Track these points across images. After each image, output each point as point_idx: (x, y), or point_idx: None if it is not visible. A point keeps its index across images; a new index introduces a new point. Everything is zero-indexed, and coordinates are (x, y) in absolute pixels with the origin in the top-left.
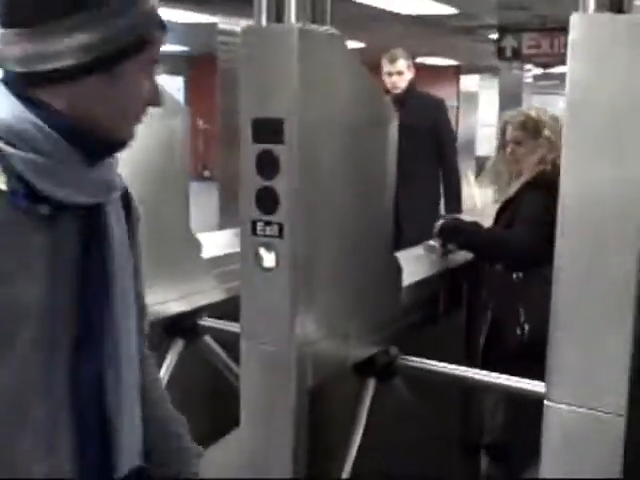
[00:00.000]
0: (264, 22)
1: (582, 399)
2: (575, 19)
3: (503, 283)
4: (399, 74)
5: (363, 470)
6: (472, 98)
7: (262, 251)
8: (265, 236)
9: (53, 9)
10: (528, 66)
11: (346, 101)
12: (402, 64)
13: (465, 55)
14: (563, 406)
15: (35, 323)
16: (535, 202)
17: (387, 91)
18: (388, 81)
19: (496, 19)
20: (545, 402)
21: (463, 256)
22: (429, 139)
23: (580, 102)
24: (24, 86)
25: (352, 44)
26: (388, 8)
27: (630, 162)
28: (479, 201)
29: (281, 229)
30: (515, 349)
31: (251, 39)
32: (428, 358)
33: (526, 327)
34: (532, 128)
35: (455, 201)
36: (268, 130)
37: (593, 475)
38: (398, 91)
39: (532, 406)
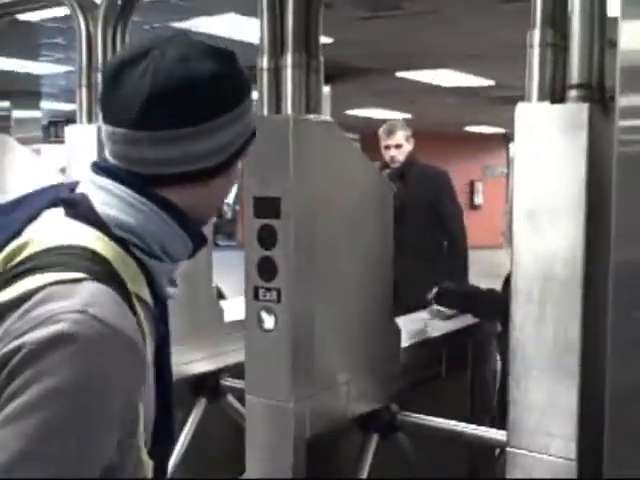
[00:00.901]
0: (265, 112)
1: (538, 446)
2: (518, 108)
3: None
4: (397, 147)
5: None
6: None
7: (263, 314)
8: (266, 300)
9: (194, 114)
10: None
11: (340, 179)
12: (400, 136)
13: (512, 123)
14: (522, 452)
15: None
16: None
17: (386, 165)
18: (386, 154)
19: None
20: (507, 449)
21: (469, 319)
22: (431, 212)
23: (523, 180)
24: (144, 185)
25: (398, 115)
26: (429, 81)
27: (566, 231)
28: None
29: (279, 294)
30: None
31: None
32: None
33: None
34: None
35: (459, 272)
36: (267, 207)
37: None
38: (397, 165)
39: None
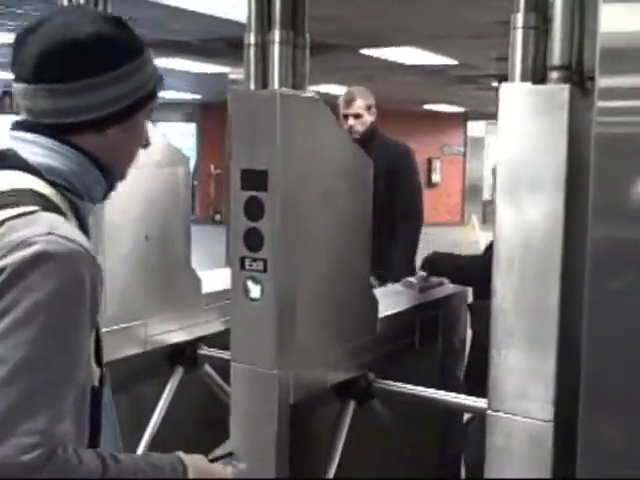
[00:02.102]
0: (252, 87)
1: (517, 409)
2: (502, 88)
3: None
4: (356, 117)
5: None
6: (478, 144)
7: (249, 283)
8: (252, 270)
9: (86, 68)
10: None
11: (324, 154)
12: (359, 105)
13: (472, 102)
14: (502, 414)
15: None
16: None
17: None
18: (344, 125)
19: (495, 69)
20: (487, 412)
21: (440, 291)
22: (390, 183)
23: (506, 157)
24: (55, 134)
25: None
26: (393, 59)
27: (546, 206)
28: (482, 243)
29: (265, 264)
30: None
31: (241, 102)
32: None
33: None
34: None
35: (405, 247)
36: (255, 179)
37: (527, 470)
38: (356, 136)
39: None
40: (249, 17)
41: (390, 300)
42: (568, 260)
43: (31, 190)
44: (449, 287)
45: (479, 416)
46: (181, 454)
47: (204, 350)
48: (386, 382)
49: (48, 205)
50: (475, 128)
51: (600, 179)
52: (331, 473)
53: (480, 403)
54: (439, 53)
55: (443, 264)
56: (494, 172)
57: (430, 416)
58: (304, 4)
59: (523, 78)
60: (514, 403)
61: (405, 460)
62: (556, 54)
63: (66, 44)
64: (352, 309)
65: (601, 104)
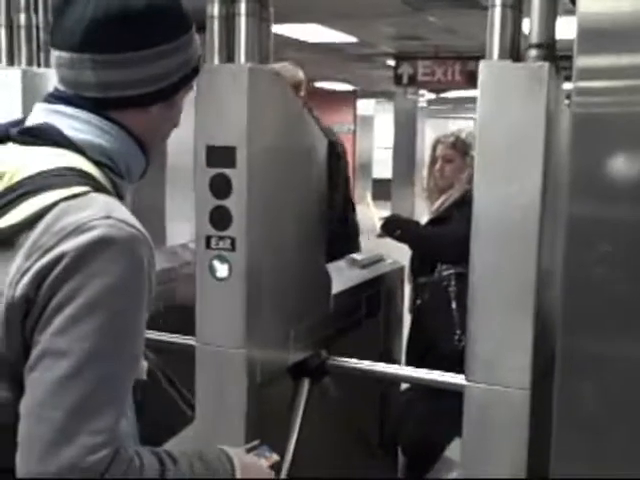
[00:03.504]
0: (216, 61)
1: (494, 378)
2: (482, 65)
3: (436, 291)
4: None
5: (301, 463)
6: (368, 121)
7: (216, 263)
8: (219, 249)
9: (139, 40)
10: (422, 91)
11: (285, 130)
12: None
13: (362, 80)
14: (479, 385)
15: None
16: (464, 216)
17: None
18: None
19: (393, 47)
20: (465, 383)
21: (381, 267)
22: None
23: (486, 133)
24: (97, 109)
25: None
26: (293, 36)
27: (524, 181)
28: (377, 221)
29: (233, 243)
30: (451, 356)
31: (205, 76)
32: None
33: (461, 335)
34: (461, 148)
35: None
36: (222, 156)
37: (504, 439)
38: None
39: (449, 400)
40: None
41: (338, 277)
42: (544, 232)
43: (78, 169)
44: (387, 263)
45: (415, 388)
46: (227, 449)
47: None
48: (340, 359)
49: (97, 185)
50: (365, 106)
51: (576, 157)
52: (289, 452)
53: (441, 377)
54: (340, 30)
55: (407, 230)
56: (437, 142)
57: (371, 387)
58: None
59: (501, 56)
60: (491, 372)
61: (352, 435)
62: (535, 32)
63: (122, 12)
64: (310, 287)
65: (579, 84)
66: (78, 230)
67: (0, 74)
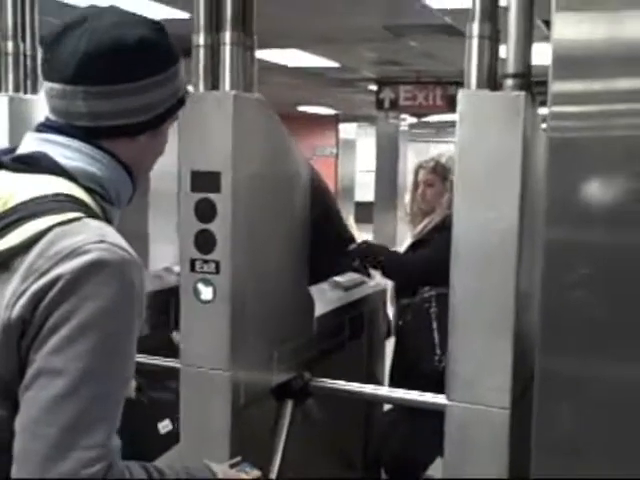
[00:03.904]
0: (202, 88)
1: (475, 398)
2: (461, 94)
3: (418, 312)
4: None
5: None
6: (350, 145)
7: (200, 286)
8: (203, 272)
9: (130, 72)
10: (403, 115)
11: (270, 157)
12: None
13: (344, 104)
14: (460, 404)
15: None
16: (443, 239)
17: None
18: None
19: (374, 72)
20: (446, 402)
21: (363, 290)
22: None
23: (465, 160)
24: (88, 138)
25: None
26: (276, 61)
27: (502, 206)
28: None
29: (217, 266)
30: (432, 376)
31: (191, 103)
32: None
33: (442, 356)
34: (441, 172)
35: None
36: (207, 181)
37: (485, 458)
38: None
39: (431, 420)
40: (197, 17)
41: (321, 299)
42: (522, 256)
43: (71, 196)
44: (370, 285)
45: (397, 408)
46: (211, 464)
47: None
48: (323, 381)
49: (89, 211)
50: (347, 130)
51: (552, 182)
52: (273, 473)
53: (423, 397)
54: (322, 55)
55: (382, 257)
56: (418, 167)
57: (355, 408)
58: (252, 5)
59: (479, 85)
60: (471, 392)
61: (335, 456)
62: (510, 62)
63: (115, 46)
64: (293, 309)
65: (554, 109)
66: (73, 254)
67: None
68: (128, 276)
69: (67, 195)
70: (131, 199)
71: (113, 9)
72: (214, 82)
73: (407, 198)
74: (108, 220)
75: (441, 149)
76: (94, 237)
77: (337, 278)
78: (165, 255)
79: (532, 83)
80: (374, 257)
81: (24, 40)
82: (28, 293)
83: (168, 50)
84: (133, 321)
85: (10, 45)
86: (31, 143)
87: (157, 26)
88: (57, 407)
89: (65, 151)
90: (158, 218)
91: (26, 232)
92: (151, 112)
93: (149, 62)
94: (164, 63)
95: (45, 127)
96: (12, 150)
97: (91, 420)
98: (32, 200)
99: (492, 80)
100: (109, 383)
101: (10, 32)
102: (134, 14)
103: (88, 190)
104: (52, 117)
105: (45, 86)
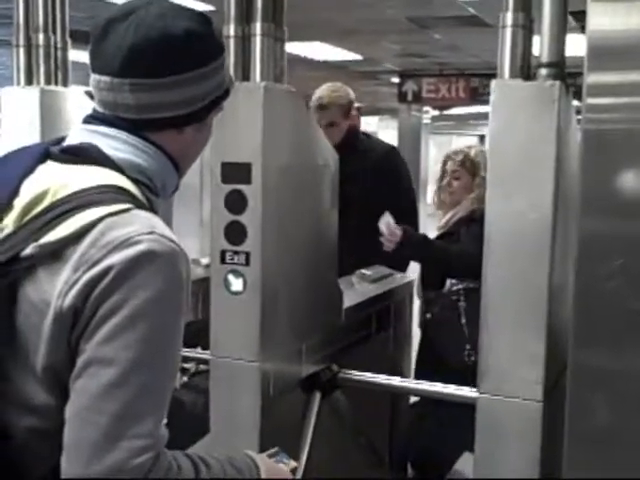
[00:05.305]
0: None
1: (507, 390)
2: (494, 84)
3: (446, 306)
4: (331, 125)
5: (312, 475)
6: None
7: (230, 277)
8: (233, 263)
9: (177, 64)
10: (426, 108)
11: (299, 148)
12: (335, 114)
13: (366, 97)
14: (492, 397)
15: None
16: (473, 234)
17: None
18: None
19: (397, 65)
20: (478, 395)
21: (390, 282)
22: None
23: (498, 150)
24: (135, 130)
25: None
26: (299, 53)
27: (535, 197)
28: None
29: (248, 257)
30: (460, 370)
31: None
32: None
33: (470, 350)
34: (470, 168)
35: None
36: (237, 172)
37: (516, 451)
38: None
39: (458, 413)
40: (227, 8)
41: (349, 292)
42: (555, 247)
43: (119, 187)
44: (397, 278)
45: (424, 402)
46: (252, 454)
47: None
48: (351, 373)
49: (137, 203)
50: (368, 123)
51: (588, 173)
52: (301, 464)
53: (452, 390)
54: (345, 48)
55: (427, 248)
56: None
57: (383, 401)
58: None
59: (512, 75)
60: (503, 385)
61: (362, 448)
62: (545, 52)
63: (162, 38)
64: (322, 301)
65: (589, 101)
66: (124, 244)
67: (19, 93)
68: (177, 267)
69: (115, 186)
70: (175, 190)
71: (159, 1)
72: (244, 73)
73: (433, 188)
74: (154, 211)
75: (464, 142)
76: (144, 228)
77: (363, 270)
78: (189, 248)
79: (566, 73)
80: (418, 249)
81: (55, 33)
82: (80, 283)
83: (214, 42)
84: (181, 312)
85: (41, 38)
86: (79, 134)
87: (203, 18)
88: (107, 395)
89: (113, 142)
90: (182, 211)
91: (77, 223)
92: (197, 104)
93: (195, 54)
94: (210, 55)
95: (93, 119)
96: (61, 141)
97: (140, 409)
98: (82, 191)
99: (525, 70)
100: (158, 373)
101: (41, 25)
102: (180, 5)
103: (135, 181)
104: (100, 109)
105: (92, 78)
